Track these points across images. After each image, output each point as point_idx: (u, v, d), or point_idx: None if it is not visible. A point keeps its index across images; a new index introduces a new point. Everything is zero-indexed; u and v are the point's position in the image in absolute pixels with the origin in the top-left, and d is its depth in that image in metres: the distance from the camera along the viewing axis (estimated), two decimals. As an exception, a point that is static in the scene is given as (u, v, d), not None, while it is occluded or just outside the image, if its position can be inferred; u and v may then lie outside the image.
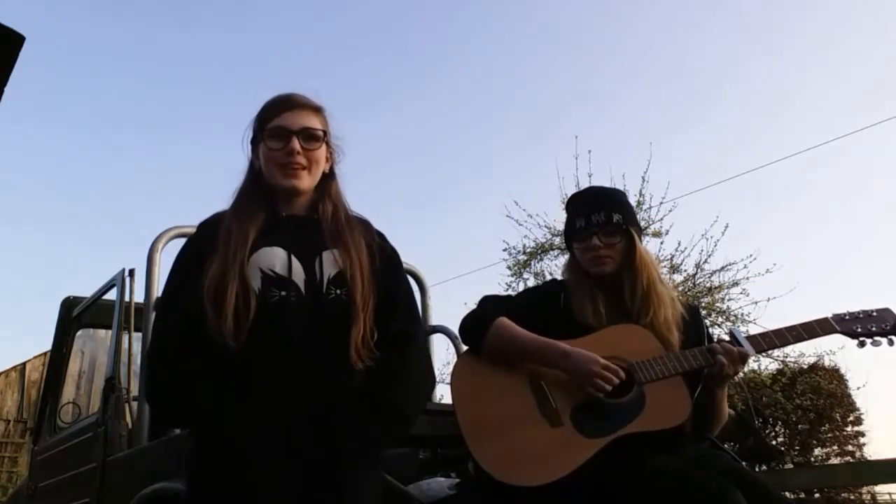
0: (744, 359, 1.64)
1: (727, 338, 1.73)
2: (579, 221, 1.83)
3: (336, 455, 1.23)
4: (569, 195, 2.58)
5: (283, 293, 1.31)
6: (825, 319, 1.69)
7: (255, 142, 1.49)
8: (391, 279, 1.46)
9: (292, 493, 1.18)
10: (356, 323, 1.31)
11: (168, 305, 1.38)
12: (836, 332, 1.68)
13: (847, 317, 1.69)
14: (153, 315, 2.53)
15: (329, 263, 1.37)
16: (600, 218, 1.79)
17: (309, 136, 1.44)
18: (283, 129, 1.42)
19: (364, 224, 1.51)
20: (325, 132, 1.47)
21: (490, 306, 1.81)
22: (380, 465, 1.33)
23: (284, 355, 1.27)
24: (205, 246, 1.36)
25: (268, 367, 1.26)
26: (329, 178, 1.51)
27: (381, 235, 1.53)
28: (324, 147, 1.47)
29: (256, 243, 1.35)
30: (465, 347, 1.82)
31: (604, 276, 1.78)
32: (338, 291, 1.34)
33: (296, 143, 1.41)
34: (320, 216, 1.44)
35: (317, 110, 1.49)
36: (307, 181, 1.44)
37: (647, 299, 1.75)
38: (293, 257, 1.36)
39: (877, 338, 1.67)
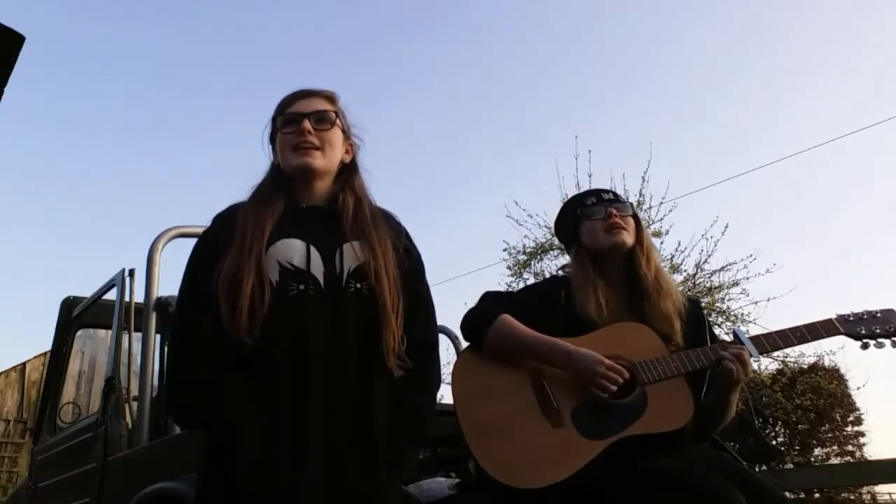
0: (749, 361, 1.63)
1: (730, 338, 1.72)
2: (590, 199, 1.87)
3: (370, 462, 1.23)
4: (569, 195, 2.60)
5: (302, 287, 1.29)
6: (829, 321, 1.68)
7: (273, 139, 1.49)
8: (420, 286, 1.46)
9: (310, 496, 1.18)
10: (388, 326, 1.29)
11: (186, 303, 1.37)
12: (840, 333, 1.66)
13: (851, 318, 1.67)
14: (155, 314, 2.55)
15: (349, 256, 1.35)
16: (610, 196, 1.88)
17: (320, 118, 1.44)
18: (295, 114, 1.44)
19: (389, 218, 1.49)
20: (336, 114, 1.47)
21: (492, 303, 1.80)
22: (403, 474, 1.33)
23: (303, 351, 1.26)
24: (220, 238, 1.35)
25: (287, 363, 1.25)
26: (351, 170, 1.50)
27: (406, 235, 1.51)
28: (338, 132, 1.47)
29: (274, 235, 1.33)
30: (465, 345, 1.81)
31: (621, 249, 1.78)
32: (358, 285, 1.32)
33: (307, 124, 1.41)
34: (340, 208, 1.42)
35: (329, 98, 1.50)
36: (320, 160, 1.42)
37: (658, 279, 1.77)
38: (312, 249, 1.34)
39: (880, 339, 1.65)
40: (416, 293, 1.43)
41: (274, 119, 1.48)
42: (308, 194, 1.44)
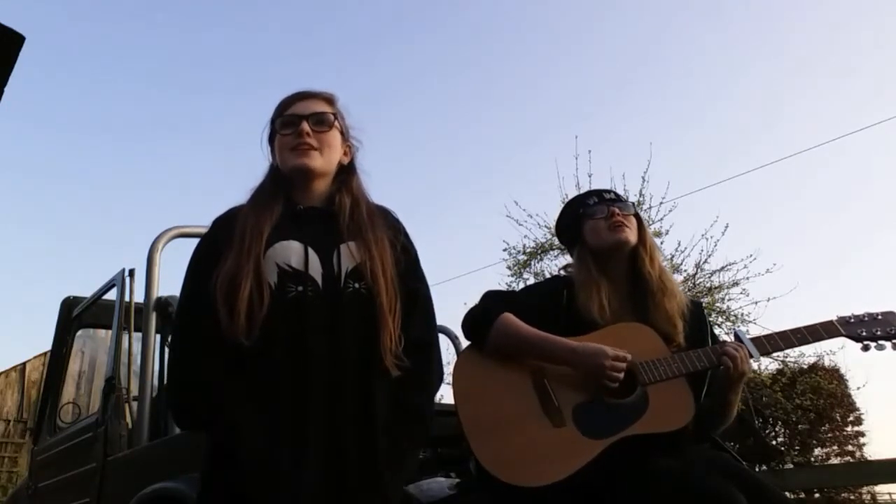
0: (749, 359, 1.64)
1: (731, 339, 1.72)
2: (592, 199, 1.88)
3: (370, 462, 1.23)
4: (569, 195, 2.60)
5: (300, 288, 1.30)
6: (830, 322, 1.68)
7: (272, 140, 1.50)
8: (417, 283, 1.46)
9: (311, 496, 1.17)
10: (385, 326, 1.30)
11: (187, 304, 1.37)
12: (841, 335, 1.67)
13: (852, 320, 1.68)
14: (155, 314, 2.55)
15: (346, 257, 1.35)
16: (612, 195, 1.89)
17: (319, 120, 1.44)
18: (294, 115, 1.44)
19: (387, 216, 1.49)
20: (335, 116, 1.47)
21: (493, 302, 1.80)
22: (403, 474, 1.33)
23: (303, 352, 1.26)
24: (220, 241, 1.35)
25: (286, 364, 1.25)
26: (349, 171, 1.51)
27: (404, 233, 1.51)
28: (337, 134, 1.47)
29: (272, 238, 1.34)
30: (465, 344, 1.81)
31: (624, 246, 1.78)
32: (356, 285, 1.33)
33: (305, 126, 1.42)
34: (337, 208, 1.42)
35: (328, 100, 1.50)
36: (318, 161, 1.42)
37: (661, 279, 1.77)
38: (310, 250, 1.34)
39: (881, 341, 1.65)
40: (414, 291, 1.43)
41: (273, 121, 1.48)
42: (306, 195, 1.44)
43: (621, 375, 1.56)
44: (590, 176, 8.21)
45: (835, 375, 10.26)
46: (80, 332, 3.75)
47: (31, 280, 23.46)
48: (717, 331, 2.15)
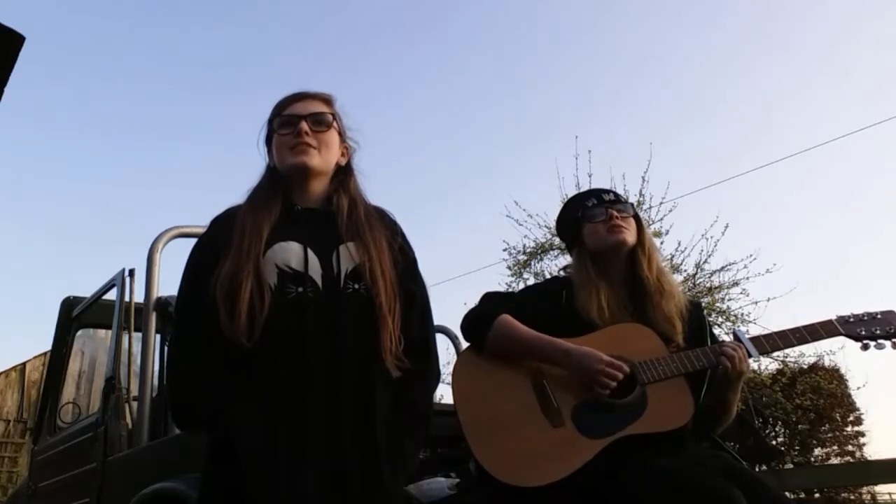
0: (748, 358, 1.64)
1: (730, 338, 1.73)
2: (590, 201, 1.87)
3: (372, 462, 1.23)
4: (569, 195, 2.60)
5: (300, 289, 1.30)
6: (829, 322, 1.68)
7: (269, 141, 1.50)
8: (415, 284, 1.46)
9: (311, 497, 1.18)
10: (385, 327, 1.30)
11: (186, 305, 1.37)
12: (840, 334, 1.67)
13: (851, 319, 1.68)
14: (155, 314, 2.55)
15: (346, 257, 1.35)
16: (611, 196, 1.88)
17: (317, 120, 1.45)
18: (292, 116, 1.44)
19: (384, 217, 1.50)
20: (333, 116, 1.48)
21: (492, 303, 1.81)
22: (405, 473, 1.32)
23: (303, 353, 1.26)
24: (218, 242, 1.35)
25: (286, 365, 1.25)
26: (346, 172, 1.51)
27: (402, 234, 1.51)
28: (335, 134, 1.48)
29: (271, 238, 1.34)
30: (465, 346, 1.82)
31: (622, 247, 1.78)
32: (355, 286, 1.33)
33: (304, 125, 1.42)
34: (335, 209, 1.43)
35: (326, 101, 1.50)
36: (317, 159, 1.42)
37: (660, 280, 1.77)
38: (309, 251, 1.34)
39: (880, 340, 1.66)
40: (412, 292, 1.43)
41: (270, 121, 1.49)
42: (304, 196, 1.44)
43: (614, 384, 1.56)
44: (590, 176, 8.22)
45: (835, 375, 10.27)
46: (80, 332, 3.75)
47: (31, 280, 23.48)
48: (716, 331, 2.16)
